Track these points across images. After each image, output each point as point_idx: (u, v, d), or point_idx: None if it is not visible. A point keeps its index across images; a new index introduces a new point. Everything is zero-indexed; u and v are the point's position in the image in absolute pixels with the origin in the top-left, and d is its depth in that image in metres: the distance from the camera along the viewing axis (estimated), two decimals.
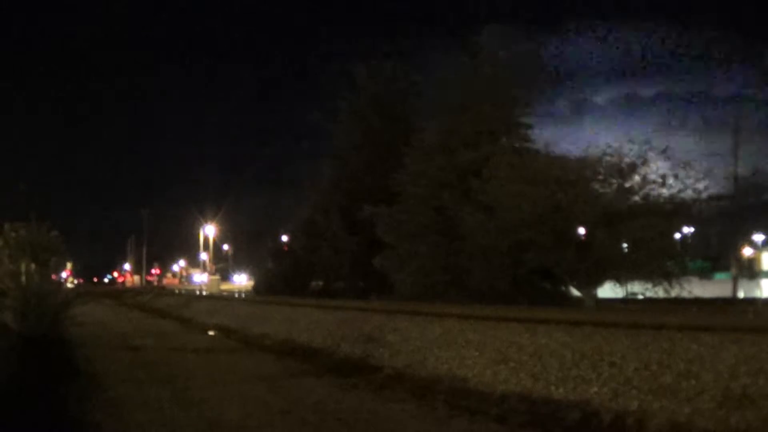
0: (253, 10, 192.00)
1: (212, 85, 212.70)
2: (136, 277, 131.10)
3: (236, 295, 61.47)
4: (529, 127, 37.98)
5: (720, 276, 68.44)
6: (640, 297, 37.04)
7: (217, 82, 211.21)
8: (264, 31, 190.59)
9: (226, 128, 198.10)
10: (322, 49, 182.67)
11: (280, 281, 55.40)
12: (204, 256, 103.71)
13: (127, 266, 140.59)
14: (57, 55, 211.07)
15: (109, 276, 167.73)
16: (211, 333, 26.59)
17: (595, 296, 34.26)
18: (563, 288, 34.67)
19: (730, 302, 42.13)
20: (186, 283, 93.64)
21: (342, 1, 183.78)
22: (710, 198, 31.80)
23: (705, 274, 66.37)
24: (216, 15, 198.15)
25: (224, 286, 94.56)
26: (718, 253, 66.17)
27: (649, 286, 33.60)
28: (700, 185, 30.37)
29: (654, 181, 30.60)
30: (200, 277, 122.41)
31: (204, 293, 66.17)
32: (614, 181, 31.17)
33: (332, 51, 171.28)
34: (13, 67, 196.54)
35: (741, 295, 54.92)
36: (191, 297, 49.56)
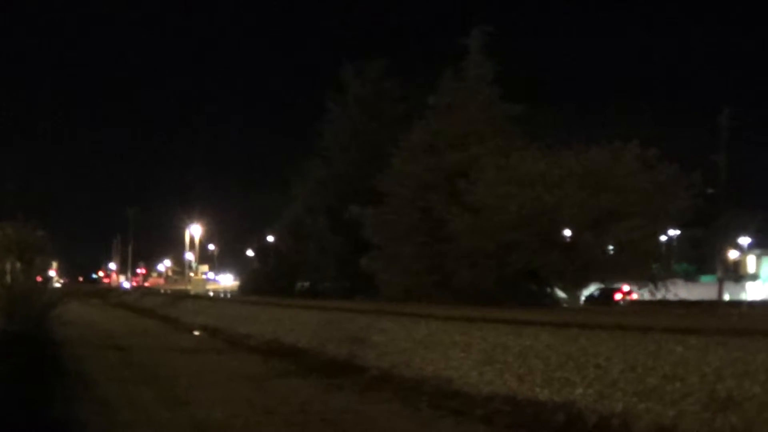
0: (242, 11, 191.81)
1: (200, 85, 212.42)
2: (122, 277, 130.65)
3: (222, 295, 61.38)
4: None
5: (706, 279, 68.69)
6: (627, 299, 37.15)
7: (205, 82, 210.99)
8: (253, 32, 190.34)
9: (213, 128, 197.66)
10: (309, 49, 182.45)
11: (266, 281, 55.40)
12: (190, 255, 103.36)
13: (112, 265, 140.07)
14: (49, 56, 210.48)
15: (94, 275, 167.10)
16: (196, 333, 26.55)
17: (579, 298, 34.43)
18: (549, 289, 34.77)
19: (716, 305, 42.33)
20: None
21: (328, 4, 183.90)
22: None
23: (691, 276, 66.64)
24: (207, 17, 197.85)
25: (210, 286, 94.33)
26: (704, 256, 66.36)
27: (635, 288, 33.78)
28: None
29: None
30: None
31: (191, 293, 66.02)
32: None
33: (320, 51, 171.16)
34: (5, 68, 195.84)
35: (726, 297, 55.16)
36: (177, 297, 49.41)
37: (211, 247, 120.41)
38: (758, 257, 77.87)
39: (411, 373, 13.68)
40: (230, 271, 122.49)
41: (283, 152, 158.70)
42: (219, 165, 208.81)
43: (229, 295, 62.19)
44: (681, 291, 37.57)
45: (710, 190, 41.92)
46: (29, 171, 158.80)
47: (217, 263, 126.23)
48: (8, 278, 21.14)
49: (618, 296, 44.75)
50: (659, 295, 33.74)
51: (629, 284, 35.99)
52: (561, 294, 34.90)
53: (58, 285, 54.49)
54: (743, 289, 66.97)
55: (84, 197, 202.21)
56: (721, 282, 60.26)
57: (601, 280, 37.60)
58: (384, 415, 10.44)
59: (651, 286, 33.54)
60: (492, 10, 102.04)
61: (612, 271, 33.94)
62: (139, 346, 20.87)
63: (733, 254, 75.57)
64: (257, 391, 12.51)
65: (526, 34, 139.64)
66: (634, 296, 45.21)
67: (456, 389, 12.08)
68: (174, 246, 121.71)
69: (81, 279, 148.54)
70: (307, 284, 52.53)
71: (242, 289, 68.49)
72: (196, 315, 32.43)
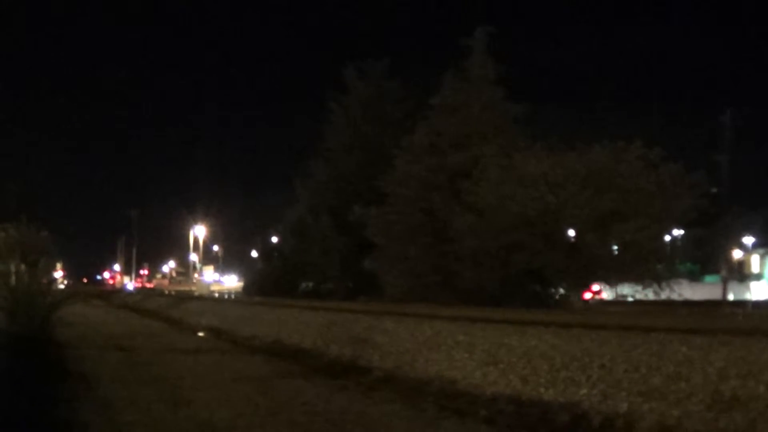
0: (242, 11, 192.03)
1: (200, 85, 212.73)
2: (126, 278, 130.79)
3: (226, 296, 61.42)
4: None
5: (710, 279, 68.70)
6: (630, 299, 37.14)
7: (205, 82, 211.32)
8: (253, 32, 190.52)
9: (214, 128, 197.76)
10: (310, 49, 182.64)
11: (270, 282, 55.49)
12: (194, 256, 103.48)
13: (117, 267, 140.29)
14: (49, 56, 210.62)
15: (99, 276, 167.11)
16: (200, 334, 26.51)
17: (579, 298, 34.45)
18: (553, 290, 34.79)
19: (720, 305, 42.37)
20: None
21: (329, 4, 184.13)
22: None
23: (695, 276, 66.67)
24: (207, 17, 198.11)
25: (214, 287, 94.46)
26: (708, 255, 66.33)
27: (639, 288, 33.74)
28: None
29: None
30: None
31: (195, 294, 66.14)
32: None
33: (320, 51, 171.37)
34: (5, 68, 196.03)
35: (731, 297, 55.20)
36: (181, 298, 49.41)
37: (216, 248, 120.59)
38: (762, 257, 77.88)
39: (415, 374, 13.64)
40: (234, 272, 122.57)
41: (286, 152, 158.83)
42: (221, 165, 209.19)
43: (233, 296, 62.23)
44: (685, 291, 37.56)
45: (714, 190, 41.95)
46: (30, 172, 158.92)
47: (221, 264, 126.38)
48: (12, 279, 21.11)
49: (587, 295, 44.95)
50: (663, 295, 33.72)
51: (633, 284, 35.97)
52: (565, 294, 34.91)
53: (62, 286, 54.58)
54: (747, 288, 67.00)
55: (89, 198, 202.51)
56: (725, 282, 60.28)
57: (605, 281, 37.59)
58: (388, 416, 10.42)
59: (655, 286, 33.49)
60: (493, 10, 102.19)
61: (616, 272, 33.92)
62: (142, 347, 20.82)
63: (737, 254, 75.58)
64: (261, 391, 12.47)
65: (527, 35, 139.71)
66: (604, 295, 45.49)
67: (460, 390, 12.05)
68: (178, 247, 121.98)
69: (85, 280, 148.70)
70: (310, 285, 52.58)
71: (246, 289, 68.57)
72: (199, 316, 32.39)
